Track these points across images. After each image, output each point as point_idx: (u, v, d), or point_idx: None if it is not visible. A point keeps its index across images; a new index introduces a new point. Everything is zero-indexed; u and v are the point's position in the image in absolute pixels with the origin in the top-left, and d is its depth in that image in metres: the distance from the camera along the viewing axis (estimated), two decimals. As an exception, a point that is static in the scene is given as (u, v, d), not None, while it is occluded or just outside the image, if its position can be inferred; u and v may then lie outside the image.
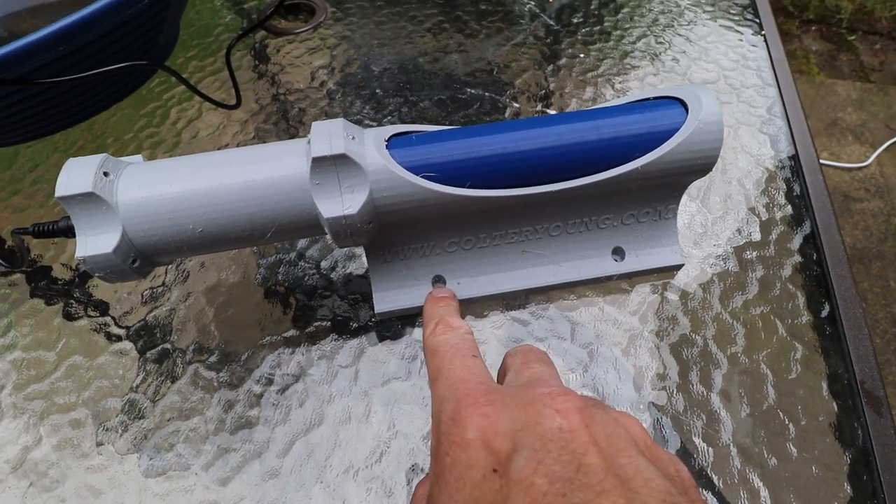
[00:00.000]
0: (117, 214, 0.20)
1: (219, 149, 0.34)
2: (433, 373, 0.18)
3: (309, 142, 0.20)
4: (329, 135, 0.20)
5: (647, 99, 0.23)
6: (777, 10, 1.70)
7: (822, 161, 1.23)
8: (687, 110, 0.22)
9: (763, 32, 0.40)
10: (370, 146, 0.21)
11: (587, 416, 0.14)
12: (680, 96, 0.22)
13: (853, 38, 1.60)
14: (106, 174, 0.20)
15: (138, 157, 0.22)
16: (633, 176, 0.22)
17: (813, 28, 1.65)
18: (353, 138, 0.20)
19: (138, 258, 0.21)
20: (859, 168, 1.22)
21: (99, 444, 0.23)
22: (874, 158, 1.23)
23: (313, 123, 0.21)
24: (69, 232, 0.21)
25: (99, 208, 0.19)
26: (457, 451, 0.14)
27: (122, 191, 0.20)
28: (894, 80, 1.45)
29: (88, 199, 0.19)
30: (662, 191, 0.25)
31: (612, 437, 0.14)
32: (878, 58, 1.54)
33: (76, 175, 0.19)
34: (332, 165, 0.20)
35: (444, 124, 0.35)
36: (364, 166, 0.20)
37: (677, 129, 0.22)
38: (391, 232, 0.23)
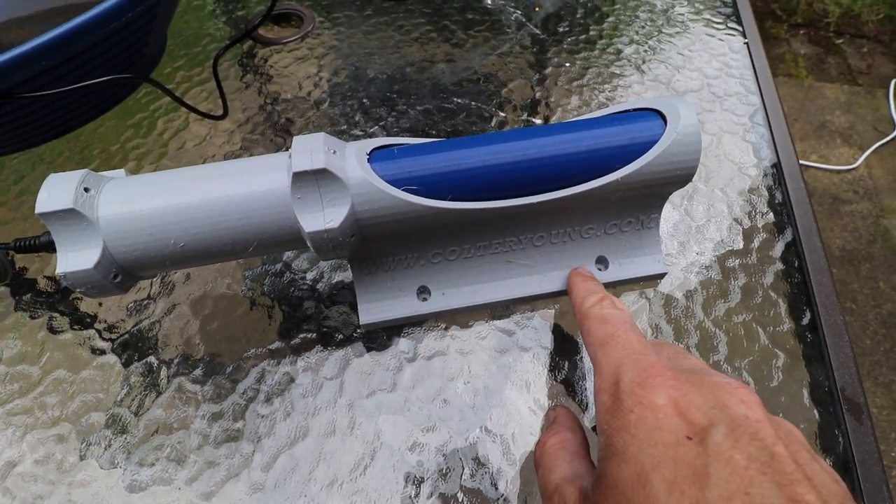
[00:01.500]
0: (98, 230, 0.20)
1: (205, 160, 0.34)
2: (603, 338, 0.19)
3: (290, 156, 0.20)
4: (310, 149, 0.20)
5: (627, 111, 0.23)
6: (766, 14, 1.72)
7: (810, 164, 1.24)
8: (665, 122, 0.22)
9: (746, 41, 0.40)
10: (351, 160, 0.21)
11: (766, 412, 0.15)
12: (658, 108, 0.23)
13: (841, 41, 1.62)
14: (87, 190, 0.20)
15: (121, 172, 0.22)
16: (613, 187, 0.22)
17: (801, 32, 1.67)
18: (335, 152, 0.21)
19: (120, 273, 0.21)
20: (848, 170, 1.23)
21: (82, 459, 0.23)
22: (862, 161, 1.24)
23: (295, 138, 0.21)
24: (50, 247, 0.21)
25: (80, 224, 0.19)
26: (643, 410, 0.15)
27: (102, 206, 0.20)
28: (882, 82, 1.47)
29: (69, 215, 0.19)
30: (644, 201, 0.25)
31: (789, 437, 0.15)
32: (865, 61, 1.55)
33: (57, 191, 0.19)
34: (313, 180, 0.20)
35: (431, 134, 0.35)
36: (345, 180, 0.20)
37: (656, 141, 0.22)
38: (375, 244, 0.23)
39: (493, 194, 0.22)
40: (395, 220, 0.21)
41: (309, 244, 0.21)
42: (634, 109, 0.23)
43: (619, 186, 0.22)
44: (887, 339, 0.98)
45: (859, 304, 1.03)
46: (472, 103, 0.37)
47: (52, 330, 0.27)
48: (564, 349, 0.25)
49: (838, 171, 1.23)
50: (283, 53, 0.41)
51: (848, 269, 1.07)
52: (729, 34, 0.41)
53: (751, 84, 0.37)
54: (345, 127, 0.36)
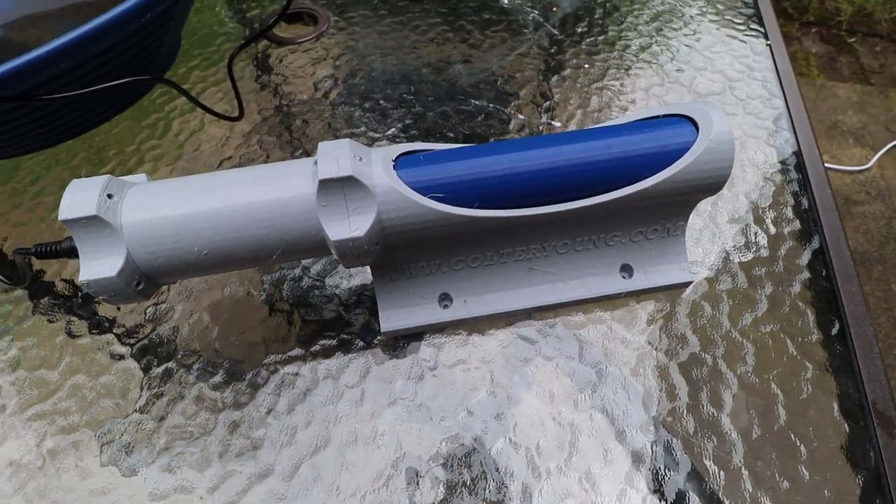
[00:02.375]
0: (121, 237, 0.19)
1: (221, 161, 0.34)
2: None
3: (315, 162, 0.20)
4: (336, 156, 0.20)
5: (657, 117, 0.23)
6: (777, 13, 1.70)
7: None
8: (697, 129, 0.22)
9: (769, 42, 0.40)
10: (378, 167, 0.20)
11: None
12: (690, 114, 0.22)
13: (853, 40, 1.60)
14: (110, 196, 0.20)
15: (142, 177, 0.22)
16: (642, 195, 0.22)
17: (813, 30, 1.65)
18: (361, 159, 0.20)
19: (143, 280, 0.20)
20: (860, 171, 1.22)
21: (102, 466, 0.23)
22: (875, 161, 1.23)
23: (320, 144, 0.20)
24: (72, 253, 0.21)
25: (103, 231, 0.19)
26: None
27: (126, 213, 0.20)
28: (894, 82, 1.45)
29: (92, 222, 0.19)
30: (672, 208, 0.24)
31: None
32: (878, 60, 1.54)
33: (80, 197, 0.19)
34: (339, 187, 0.20)
35: (449, 136, 0.35)
36: (371, 188, 0.20)
37: (688, 149, 0.21)
38: (397, 251, 0.23)
39: (520, 202, 0.21)
40: (421, 227, 0.21)
41: (333, 252, 0.21)
42: (665, 116, 0.23)
43: (648, 194, 0.22)
44: (899, 342, 0.97)
45: (871, 307, 1.01)
46: (490, 105, 0.36)
47: (71, 334, 0.27)
48: (588, 359, 0.25)
49: (850, 172, 1.22)
50: (298, 53, 0.41)
51: (860, 272, 1.06)
52: (751, 36, 0.40)
53: (774, 87, 0.36)
54: (362, 129, 0.35)
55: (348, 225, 0.20)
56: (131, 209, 0.20)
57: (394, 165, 0.21)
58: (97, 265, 0.19)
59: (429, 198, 0.20)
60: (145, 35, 0.31)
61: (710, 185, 0.22)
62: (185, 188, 0.20)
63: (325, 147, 0.20)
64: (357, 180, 0.19)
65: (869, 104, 1.40)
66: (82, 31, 0.26)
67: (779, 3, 1.72)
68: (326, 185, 0.19)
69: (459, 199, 0.21)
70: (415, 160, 0.21)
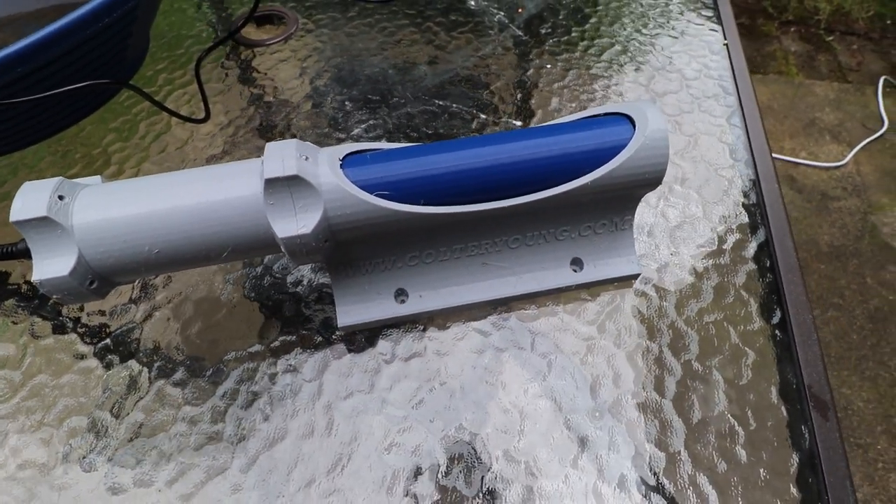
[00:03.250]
0: (73, 237, 0.20)
1: (186, 163, 0.34)
2: None
3: (262, 162, 0.21)
4: (282, 155, 0.20)
5: (597, 115, 0.24)
6: (757, 12, 1.72)
7: (799, 161, 1.25)
8: (634, 126, 0.23)
9: (726, 42, 0.41)
10: (324, 166, 0.21)
11: None
12: (628, 112, 0.23)
13: (831, 38, 1.63)
14: (61, 197, 0.20)
15: (96, 179, 0.22)
16: (584, 191, 0.23)
17: (792, 29, 1.68)
18: (307, 158, 0.21)
19: (96, 279, 0.21)
20: (836, 167, 1.24)
21: (65, 462, 0.24)
22: (851, 157, 1.25)
23: (267, 144, 0.21)
24: (27, 254, 0.21)
25: (54, 232, 0.20)
26: None
27: (77, 214, 0.20)
28: (871, 79, 1.48)
29: (43, 223, 0.19)
30: (617, 203, 0.25)
31: None
32: (855, 58, 1.56)
33: (31, 199, 0.20)
34: (285, 186, 0.20)
35: (413, 136, 0.36)
36: (317, 186, 0.21)
37: (625, 145, 0.22)
38: (351, 248, 0.24)
39: (464, 198, 0.22)
40: (369, 224, 0.22)
41: (283, 249, 0.21)
42: (605, 114, 0.24)
43: (589, 190, 0.23)
44: (874, 333, 0.99)
45: (847, 299, 1.04)
46: (454, 105, 0.37)
47: (34, 335, 0.27)
48: (540, 349, 0.26)
49: (827, 168, 1.24)
50: (266, 55, 0.41)
51: (836, 265, 1.08)
52: (709, 35, 0.41)
53: (729, 85, 0.38)
54: (327, 130, 0.36)
55: (295, 223, 0.21)
56: (82, 210, 0.20)
57: (340, 164, 0.22)
58: (49, 265, 0.20)
59: (374, 195, 0.21)
60: (108, 38, 0.31)
61: (649, 179, 0.23)
62: (135, 189, 0.21)
63: (271, 147, 0.21)
64: (303, 179, 0.20)
65: (846, 101, 1.42)
66: (40, 35, 0.26)
67: (759, 2, 1.74)
68: (273, 184, 0.20)
69: (405, 197, 0.22)
70: (361, 159, 0.22)
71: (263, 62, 0.41)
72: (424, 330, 0.27)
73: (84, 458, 0.24)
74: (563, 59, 0.40)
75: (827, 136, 1.32)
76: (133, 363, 0.26)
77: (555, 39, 0.42)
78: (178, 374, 0.26)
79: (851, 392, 0.93)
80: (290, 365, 0.26)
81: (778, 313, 0.27)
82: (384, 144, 0.23)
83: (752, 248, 0.29)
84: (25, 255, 0.21)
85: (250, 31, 0.43)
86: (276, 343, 0.26)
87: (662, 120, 0.22)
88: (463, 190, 0.22)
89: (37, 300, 0.28)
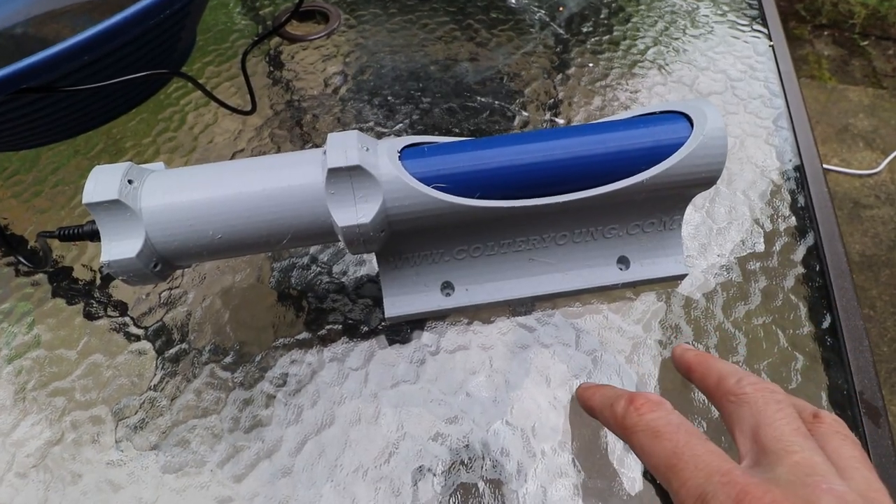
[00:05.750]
0: (141, 221, 0.21)
1: (234, 154, 0.35)
2: (668, 457, 0.17)
3: (325, 152, 0.21)
4: (344, 146, 0.21)
5: (653, 113, 0.24)
6: (790, 15, 1.69)
7: (832, 167, 1.23)
8: (692, 125, 0.23)
9: (772, 43, 0.40)
10: (384, 157, 0.21)
11: None
12: (685, 111, 0.23)
13: (866, 43, 1.59)
14: (130, 182, 0.21)
15: (160, 165, 0.23)
16: (638, 188, 0.23)
17: (825, 33, 1.64)
18: (367, 150, 0.21)
19: (160, 262, 0.22)
20: (870, 175, 1.21)
21: (118, 441, 0.24)
22: (885, 165, 1.22)
23: (329, 135, 0.21)
24: (94, 236, 0.22)
25: (123, 215, 0.20)
26: None
27: (145, 198, 0.21)
28: (907, 86, 1.44)
29: (114, 205, 0.20)
30: (667, 202, 0.25)
31: None
32: (890, 63, 1.52)
33: (102, 182, 0.20)
34: (346, 176, 0.21)
35: (455, 132, 0.36)
36: (377, 177, 0.21)
37: (682, 144, 0.22)
38: (402, 239, 0.24)
39: (519, 193, 0.22)
40: (424, 216, 0.22)
41: (341, 238, 0.22)
42: (661, 112, 0.24)
43: (644, 188, 0.23)
44: (906, 346, 0.96)
45: (878, 310, 1.01)
46: (496, 102, 0.37)
47: (89, 316, 0.28)
48: (585, 347, 0.26)
49: (860, 176, 1.21)
50: (309, 50, 0.42)
51: (867, 275, 1.06)
52: (754, 36, 0.41)
53: (775, 87, 0.37)
54: (370, 124, 0.36)
55: (355, 212, 0.21)
56: (150, 194, 0.21)
57: (399, 156, 0.22)
58: (118, 246, 0.21)
59: (432, 187, 0.21)
60: (162, 31, 0.32)
61: (704, 179, 0.23)
62: (200, 175, 0.22)
63: (333, 138, 0.21)
64: (364, 169, 0.20)
65: (881, 108, 1.39)
66: (104, 27, 0.27)
67: (791, 5, 1.71)
68: (335, 174, 0.20)
69: (461, 190, 0.22)
70: (419, 152, 0.22)
71: (307, 57, 0.41)
72: (469, 323, 0.27)
73: (138, 436, 0.24)
74: (606, 57, 0.40)
75: (860, 143, 1.29)
76: (184, 346, 0.27)
77: (597, 38, 0.41)
78: (228, 359, 0.26)
79: (881, 405, 0.91)
80: (336, 353, 0.26)
81: (828, 318, 0.26)
82: (440, 138, 0.23)
83: (800, 251, 0.29)
84: (92, 236, 0.22)
85: (294, 27, 0.44)
86: (323, 332, 0.27)
87: (721, 119, 0.22)
88: (519, 185, 0.22)
89: (91, 283, 0.29)
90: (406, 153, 0.22)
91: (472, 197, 0.22)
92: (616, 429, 0.20)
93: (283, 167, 0.21)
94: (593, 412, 0.22)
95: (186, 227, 0.21)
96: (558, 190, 0.22)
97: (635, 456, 0.22)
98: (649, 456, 0.18)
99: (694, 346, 0.26)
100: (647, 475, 0.22)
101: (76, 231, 0.23)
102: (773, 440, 0.17)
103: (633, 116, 0.24)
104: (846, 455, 0.17)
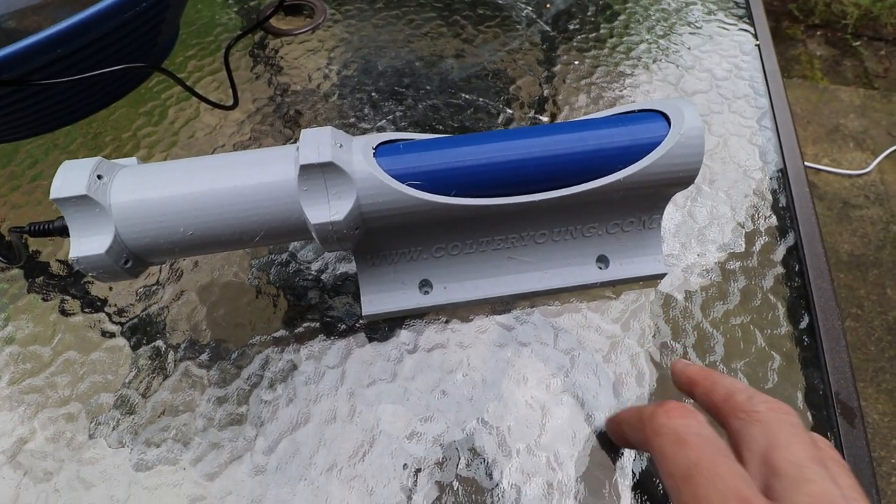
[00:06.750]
0: (110, 217, 0.20)
1: (215, 149, 0.35)
2: (687, 467, 0.16)
3: (298, 149, 0.21)
4: (317, 142, 0.20)
5: (631, 112, 0.23)
6: (782, 15, 1.69)
7: (822, 167, 1.23)
8: (669, 123, 0.22)
9: (757, 42, 0.40)
10: (357, 154, 0.21)
11: None
12: (663, 109, 0.23)
13: (858, 43, 1.60)
14: (100, 177, 0.20)
15: (132, 160, 0.23)
16: (615, 187, 0.23)
17: (818, 33, 1.64)
18: (341, 146, 0.21)
19: (130, 259, 0.21)
20: (860, 175, 1.22)
21: (91, 438, 0.24)
22: (875, 165, 1.23)
23: (303, 131, 0.21)
24: (64, 232, 0.21)
25: (92, 210, 0.20)
26: None
27: (115, 194, 0.20)
28: (898, 86, 1.45)
29: (82, 201, 0.20)
30: (646, 201, 0.25)
31: None
32: (882, 64, 1.53)
33: (71, 178, 0.20)
34: (319, 173, 0.20)
35: (438, 129, 0.36)
36: (351, 174, 0.21)
37: (659, 142, 0.22)
38: (379, 237, 0.24)
39: (496, 191, 0.22)
40: (399, 214, 0.22)
41: (314, 235, 0.21)
42: (639, 110, 0.23)
43: (621, 186, 0.23)
44: (892, 345, 0.97)
45: (865, 310, 1.02)
46: (480, 99, 0.37)
47: (64, 312, 0.28)
48: (562, 345, 0.26)
49: (850, 176, 1.22)
50: (293, 45, 0.41)
51: (855, 275, 1.07)
52: (740, 35, 0.41)
53: (760, 87, 0.37)
54: (353, 120, 0.36)
55: (328, 209, 0.21)
56: (120, 190, 0.21)
57: (374, 153, 0.22)
58: (86, 242, 0.20)
59: (406, 185, 0.21)
60: (142, 23, 0.31)
61: (682, 178, 0.23)
62: (172, 171, 0.21)
63: (307, 134, 0.21)
64: (337, 166, 0.20)
65: (871, 108, 1.39)
66: (76, 20, 0.26)
67: (785, 4, 1.71)
68: (307, 171, 0.20)
69: (437, 187, 0.22)
70: (394, 149, 0.22)
71: (291, 52, 0.41)
72: (447, 322, 0.27)
73: (111, 434, 0.24)
74: (591, 55, 0.40)
75: (851, 143, 1.29)
76: (160, 343, 0.26)
77: (583, 36, 0.41)
78: (204, 356, 0.26)
79: (867, 404, 0.92)
80: (314, 351, 0.26)
81: (806, 318, 0.26)
82: (416, 135, 0.23)
83: (780, 251, 0.29)
84: (62, 232, 0.22)
85: (279, 21, 0.44)
86: (300, 329, 0.27)
87: (698, 118, 0.22)
88: (495, 182, 0.22)
89: (67, 279, 0.29)
90: (381, 150, 0.22)
91: (448, 195, 0.22)
92: (640, 431, 0.19)
93: (256, 163, 0.21)
94: (621, 425, 0.21)
95: (157, 224, 0.21)
96: (535, 188, 0.22)
97: (653, 465, 0.21)
98: (668, 462, 0.17)
99: (672, 345, 0.26)
100: (636, 488, 0.22)
101: (46, 227, 0.22)
102: (789, 465, 0.16)
103: (611, 115, 0.24)
104: (844, 484, 0.16)
